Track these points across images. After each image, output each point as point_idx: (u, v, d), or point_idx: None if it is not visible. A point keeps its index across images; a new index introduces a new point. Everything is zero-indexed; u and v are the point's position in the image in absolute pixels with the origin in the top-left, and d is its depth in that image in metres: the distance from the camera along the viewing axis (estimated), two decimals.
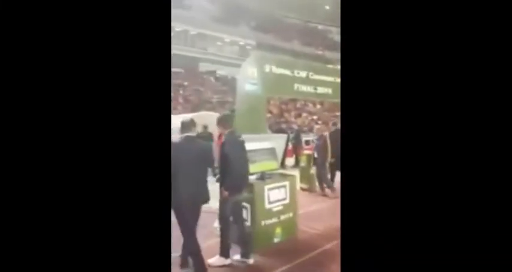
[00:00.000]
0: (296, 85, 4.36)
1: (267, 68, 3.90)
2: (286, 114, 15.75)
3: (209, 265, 2.35)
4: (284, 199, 2.92)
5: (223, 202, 2.39)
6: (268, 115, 13.87)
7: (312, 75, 4.51)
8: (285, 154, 6.28)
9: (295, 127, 10.33)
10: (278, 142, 3.37)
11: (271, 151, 3.21)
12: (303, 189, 4.95)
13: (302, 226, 3.19)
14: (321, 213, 3.92)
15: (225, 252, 2.40)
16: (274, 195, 2.83)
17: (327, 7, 27.09)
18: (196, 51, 21.34)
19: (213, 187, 2.38)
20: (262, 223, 2.72)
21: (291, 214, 2.97)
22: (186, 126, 2.21)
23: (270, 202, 2.79)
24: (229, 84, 17.42)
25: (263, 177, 2.88)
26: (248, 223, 2.72)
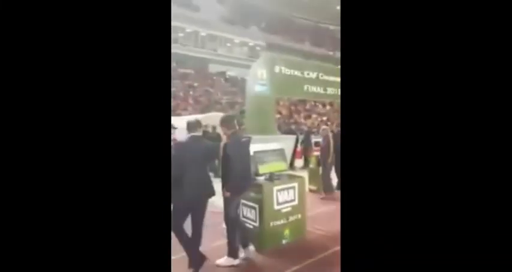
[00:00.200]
0: (306, 86, 4.35)
1: (277, 69, 3.90)
2: (295, 115, 15.69)
3: (217, 266, 2.36)
4: (293, 200, 2.91)
5: (226, 202, 2.41)
6: (278, 116, 13.85)
7: (322, 76, 4.49)
8: (294, 155, 6.25)
9: (304, 128, 10.28)
10: (287, 143, 3.35)
11: (280, 152, 3.20)
12: (311, 191, 4.92)
13: (310, 227, 3.17)
14: (329, 215, 3.87)
15: (233, 252, 2.40)
16: (283, 196, 2.83)
17: (338, 7, 26.84)
18: (206, 52, 21.52)
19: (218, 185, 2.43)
20: (271, 224, 2.72)
21: (299, 216, 2.96)
22: (192, 126, 2.35)
23: (278, 203, 2.79)
24: (239, 85, 17.48)
25: (272, 178, 2.88)
26: (256, 224, 2.72)
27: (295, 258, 2.53)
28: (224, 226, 2.48)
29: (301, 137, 7.60)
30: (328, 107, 18.74)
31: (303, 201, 3.03)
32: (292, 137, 3.95)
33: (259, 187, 2.69)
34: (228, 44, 23.39)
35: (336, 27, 29.31)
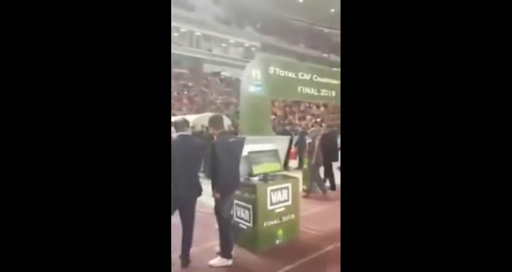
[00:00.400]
0: (300, 88, 4.38)
1: (271, 70, 3.93)
2: (290, 116, 15.75)
3: (211, 266, 2.37)
4: (286, 200, 2.93)
5: (217, 203, 2.42)
6: (272, 117, 13.89)
7: (316, 78, 4.53)
8: (288, 156, 6.28)
9: (299, 129, 10.33)
10: (281, 144, 3.37)
11: (274, 153, 3.22)
12: (304, 191, 4.95)
13: (304, 227, 3.19)
14: (322, 215, 3.91)
15: (226, 253, 2.41)
16: (277, 197, 2.84)
17: (332, 10, 27.09)
18: (201, 52, 21.47)
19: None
20: (264, 224, 2.73)
21: (293, 216, 2.98)
22: (180, 125, 2.39)
23: (272, 204, 2.80)
24: (234, 85, 17.48)
25: (266, 178, 2.90)
26: (250, 224, 2.73)
27: (288, 258, 2.54)
28: (217, 226, 2.49)
29: (295, 138, 7.64)
30: (322, 108, 18.85)
31: (297, 201, 3.05)
32: (286, 138, 3.97)
33: (253, 188, 2.70)
34: (223, 44, 23.38)
35: (330, 30, 29.57)
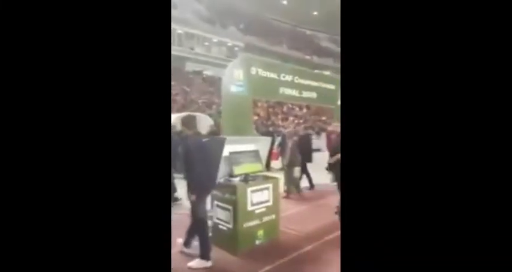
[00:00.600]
0: (282, 89, 4.42)
1: (253, 71, 3.93)
2: (273, 117, 15.84)
3: (189, 268, 2.33)
4: (267, 201, 2.93)
5: (193, 204, 2.39)
6: (255, 117, 13.90)
7: (297, 79, 4.59)
8: (270, 156, 6.31)
9: (282, 130, 10.42)
10: (263, 144, 3.38)
11: (256, 154, 3.22)
12: (285, 191, 5.00)
13: (284, 227, 3.22)
14: (303, 215, 3.96)
15: (205, 254, 2.38)
16: (257, 197, 2.84)
17: (315, 13, 27.58)
18: (183, 50, 21.10)
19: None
20: (244, 225, 2.72)
21: (273, 216, 2.99)
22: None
23: (252, 204, 2.80)
24: (217, 84, 17.31)
25: (247, 179, 2.89)
26: (230, 225, 2.71)
27: (268, 258, 2.55)
28: (193, 227, 2.46)
29: (278, 139, 7.69)
30: (305, 110, 19.13)
31: (277, 201, 3.07)
32: (268, 138, 3.98)
33: (233, 188, 2.69)
34: (206, 43, 23.12)
35: (312, 32, 30.07)
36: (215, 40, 23.33)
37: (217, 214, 2.85)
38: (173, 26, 20.46)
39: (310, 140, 5.97)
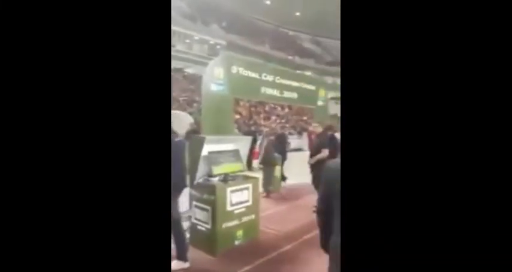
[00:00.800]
0: (263, 89, 4.41)
1: (234, 69, 3.89)
2: (255, 117, 15.86)
3: None
4: (247, 201, 2.92)
5: None
6: (237, 116, 13.85)
7: (278, 79, 4.60)
8: (251, 156, 6.32)
9: (264, 129, 10.46)
10: (243, 144, 3.36)
11: (235, 153, 3.20)
12: (267, 191, 5.02)
13: (264, 227, 3.22)
14: (282, 214, 3.99)
15: (182, 255, 2.33)
16: (237, 197, 2.82)
17: (298, 13, 27.90)
18: None
19: None
20: (223, 225, 2.69)
21: (253, 216, 2.98)
22: None
23: (232, 205, 2.77)
24: (198, 82, 17.06)
25: (226, 179, 2.86)
26: (209, 226, 2.67)
27: (248, 258, 2.54)
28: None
29: (259, 138, 7.71)
30: (286, 110, 19.32)
31: (257, 201, 3.06)
32: (249, 138, 3.97)
33: (212, 189, 2.65)
34: (187, 40, 22.72)
35: (295, 33, 30.40)
36: (196, 38, 22.97)
37: (195, 214, 2.79)
38: None
39: (285, 139, 6.07)
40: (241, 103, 15.71)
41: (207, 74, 3.61)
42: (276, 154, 5.25)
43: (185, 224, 2.59)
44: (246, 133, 7.37)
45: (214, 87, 3.62)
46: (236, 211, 2.81)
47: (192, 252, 2.53)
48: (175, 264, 2.30)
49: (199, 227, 2.75)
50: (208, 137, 2.81)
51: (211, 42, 23.58)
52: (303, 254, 2.68)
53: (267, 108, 17.92)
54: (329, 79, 26.59)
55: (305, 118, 18.04)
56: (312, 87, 5.38)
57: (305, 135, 11.76)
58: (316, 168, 3.85)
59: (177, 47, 21.58)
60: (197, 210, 2.78)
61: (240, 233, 2.84)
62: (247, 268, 2.40)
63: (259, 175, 4.20)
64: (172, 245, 2.41)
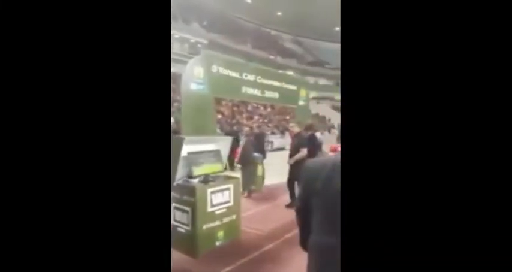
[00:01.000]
0: (244, 88, 4.40)
1: (215, 69, 3.85)
2: (238, 116, 15.81)
3: None
4: (228, 202, 2.90)
5: None
6: (220, 116, 13.73)
7: (259, 79, 4.60)
8: (233, 156, 6.29)
9: (245, 129, 10.44)
10: (224, 144, 3.33)
11: (216, 154, 3.17)
12: (249, 191, 5.02)
13: (245, 227, 3.22)
14: (264, 214, 4.00)
15: None
16: (217, 198, 2.80)
17: (279, 13, 28.08)
18: None
19: None
20: (204, 226, 2.66)
21: (234, 217, 2.97)
22: None
23: (212, 206, 2.74)
24: (178, 82, 16.75)
25: (206, 179, 2.82)
26: (189, 228, 2.63)
27: (229, 259, 2.52)
28: None
29: (242, 138, 7.69)
30: (269, 109, 19.40)
31: (238, 201, 3.05)
32: (229, 138, 3.94)
33: (192, 190, 2.61)
34: None
35: (277, 33, 30.59)
36: (177, 36, 22.53)
37: (175, 216, 2.74)
38: None
39: (263, 138, 6.12)
40: (224, 102, 15.60)
41: (186, 73, 3.55)
42: (257, 154, 5.25)
43: None
44: (228, 133, 7.33)
45: (194, 87, 3.57)
46: (217, 212, 2.79)
47: (173, 254, 2.48)
48: None
49: (179, 229, 2.70)
50: (187, 137, 2.76)
51: (192, 40, 23.22)
52: (284, 253, 2.70)
53: (249, 108, 17.91)
54: (311, 79, 27.07)
55: (288, 117, 18.21)
56: (293, 87, 5.44)
57: (287, 134, 11.88)
58: (295, 167, 3.89)
59: None
60: (177, 212, 2.73)
61: (221, 234, 2.81)
62: (228, 268, 2.39)
63: (239, 175, 4.19)
64: None
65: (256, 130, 6.02)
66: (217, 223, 2.79)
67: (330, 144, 7.17)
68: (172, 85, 17.41)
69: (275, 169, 5.63)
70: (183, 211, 2.67)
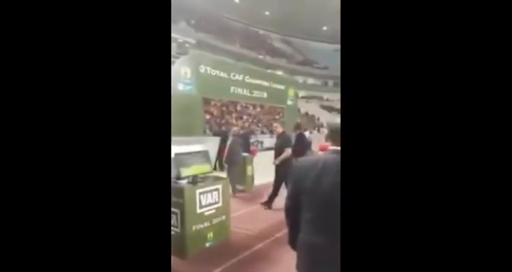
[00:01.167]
0: (232, 88, 4.39)
1: (202, 69, 3.82)
2: (227, 116, 15.74)
3: None
4: (216, 202, 2.88)
5: None
6: (208, 116, 13.64)
7: (248, 79, 4.60)
8: (221, 156, 6.27)
9: (232, 129, 10.42)
10: (212, 144, 3.31)
11: (204, 154, 3.14)
12: (239, 191, 5.01)
13: (235, 228, 3.21)
14: (254, 214, 4.00)
15: None
16: (206, 199, 2.78)
17: (267, 13, 28.14)
18: None
19: None
20: (193, 228, 2.64)
21: (223, 217, 2.95)
22: None
23: (201, 207, 2.72)
24: None
25: (195, 180, 2.80)
26: (178, 230, 2.60)
27: (219, 260, 2.51)
28: None
29: (231, 138, 7.67)
30: (258, 109, 19.41)
31: (228, 202, 3.04)
32: (217, 138, 3.92)
33: (180, 191, 2.58)
34: None
35: (265, 32, 30.64)
36: None
37: None
38: None
39: (249, 138, 6.16)
40: (213, 102, 15.50)
41: (173, 73, 3.50)
42: (246, 154, 5.25)
43: None
44: (217, 133, 7.30)
45: (181, 87, 3.53)
46: (206, 213, 2.77)
47: None
48: None
49: None
50: (175, 138, 2.72)
51: (180, 40, 22.96)
52: (274, 252, 2.71)
53: (238, 108, 17.86)
54: (300, 79, 27.24)
55: (277, 117, 18.25)
56: (281, 87, 5.46)
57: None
58: (281, 167, 3.90)
59: None
60: None
61: (210, 235, 2.80)
62: (218, 269, 2.38)
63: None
64: None
65: (241, 131, 6.03)
66: (207, 224, 2.77)
67: (319, 143, 7.24)
68: None
69: (265, 169, 5.63)
70: (172, 212, 2.64)
